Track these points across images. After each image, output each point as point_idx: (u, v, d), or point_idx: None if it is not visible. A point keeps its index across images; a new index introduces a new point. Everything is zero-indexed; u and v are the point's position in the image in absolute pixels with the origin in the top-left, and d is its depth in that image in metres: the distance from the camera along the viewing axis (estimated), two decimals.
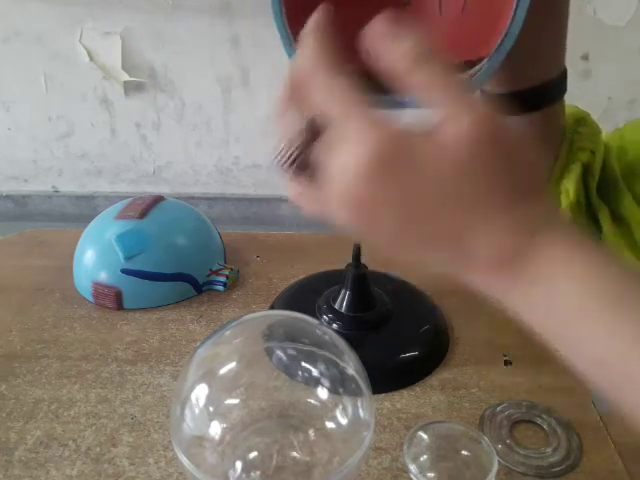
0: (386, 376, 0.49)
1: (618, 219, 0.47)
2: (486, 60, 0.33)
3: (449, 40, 0.37)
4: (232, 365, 0.40)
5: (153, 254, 0.59)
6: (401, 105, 0.37)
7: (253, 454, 0.39)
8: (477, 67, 0.34)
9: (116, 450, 0.43)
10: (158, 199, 0.64)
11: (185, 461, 0.34)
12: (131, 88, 2.03)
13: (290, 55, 0.37)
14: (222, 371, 0.40)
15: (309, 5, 0.37)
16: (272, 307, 0.59)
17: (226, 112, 2.07)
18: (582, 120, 0.47)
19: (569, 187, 0.45)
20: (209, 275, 0.62)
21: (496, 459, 0.38)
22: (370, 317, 0.53)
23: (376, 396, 0.47)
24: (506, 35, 0.32)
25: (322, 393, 0.39)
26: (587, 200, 0.47)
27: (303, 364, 0.40)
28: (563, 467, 0.41)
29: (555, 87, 0.43)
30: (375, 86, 0.37)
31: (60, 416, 0.46)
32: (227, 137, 2.12)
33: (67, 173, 2.21)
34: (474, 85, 0.34)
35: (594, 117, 0.49)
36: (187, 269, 0.60)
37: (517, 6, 0.32)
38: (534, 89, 0.42)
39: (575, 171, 0.45)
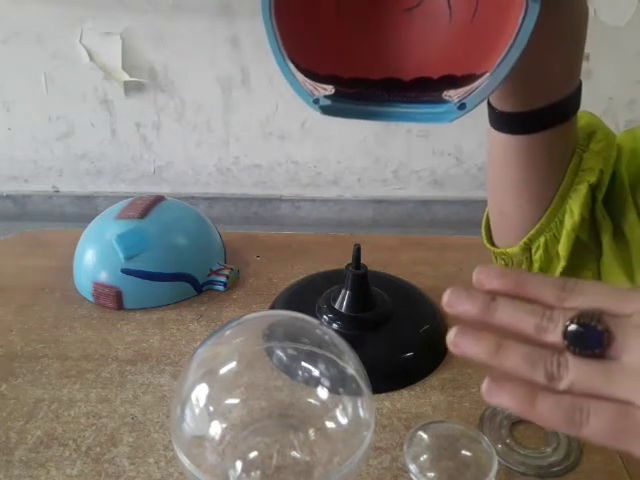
0: (386, 376, 0.49)
1: (620, 235, 0.46)
2: (486, 77, 0.32)
3: (456, 49, 0.36)
4: (232, 365, 0.40)
5: (153, 254, 0.59)
6: (379, 116, 0.36)
7: (253, 454, 0.39)
8: (476, 84, 0.33)
9: (116, 450, 0.43)
10: (158, 199, 0.64)
11: (185, 461, 0.34)
12: (131, 88, 2.04)
13: (282, 68, 0.36)
14: (222, 371, 0.40)
15: (303, 18, 0.37)
16: (272, 307, 0.59)
17: (226, 112, 2.08)
18: (593, 134, 0.46)
19: (574, 208, 0.44)
20: (209, 275, 0.62)
21: (496, 459, 0.38)
22: (370, 317, 0.53)
23: (376, 396, 0.47)
24: (507, 54, 0.31)
25: (322, 393, 0.39)
26: (592, 214, 0.46)
27: (303, 364, 0.40)
28: (563, 467, 0.41)
29: (569, 104, 0.42)
30: (358, 95, 0.37)
31: (60, 416, 0.46)
32: (227, 137, 2.12)
33: (67, 173, 2.21)
34: (471, 102, 0.33)
35: None
36: (187, 269, 0.60)
37: (521, 26, 0.30)
38: (548, 108, 0.41)
39: (581, 191, 0.44)
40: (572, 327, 0.26)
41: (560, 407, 0.25)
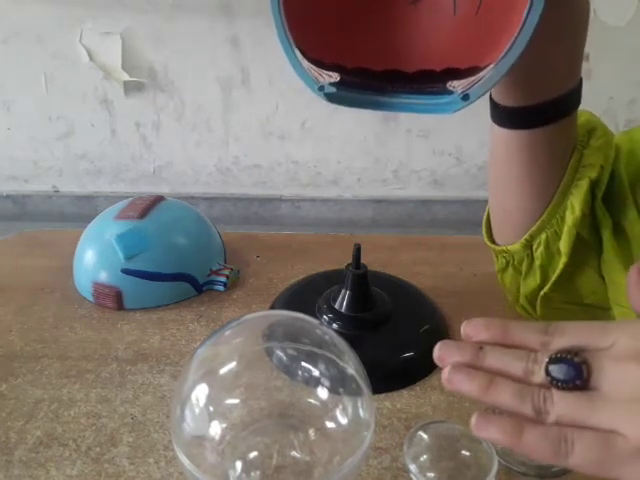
0: (386, 376, 0.49)
1: (620, 232, 0.46)
2: (490, 68, 0.32)
3: (460, 42, 0.36)
4: (232, 365, 0.40)
5: (153, 254, 0.59)
6: (383, 106, 0.36)
7: (253, 454, 0.39)
8: (480, 74, 0.33)
9: (116, 450, 0.43)
10: (158, 199, 0.64)
11: (185, 461, 0.34)
12: (131, 88, 2.04)
13: (288, 55, 0.36)
14: (222, 371, 0.40)
15: (310, 7, 0.37)
16: (272, 307, 0.59)
17: (226, 112, 2.08)
18: (593, 131, 0.46)
19: (575, 204, 0.45)
20: (209, 275, 0.62)
21: (496, 459, 0.38)
22: (370, 317, 0.53)
23: (376, 396, 0.47)
24: (512, 46, 0.31)
25: (322, 393, 0.39)
26: (593, 210, 0.46)
27: (303, 364, 0.40)
28: (563, 467, 0.41)
29: (570, 100, 0.42)
30: (362, 85, 0.37)
31: (60, 416, 0.46)
32: (227, 137, 2.12)
33: (67, 173, 2.21)
34: (475, 93, 0.33)
35: None
36: (187, 269, 0.60)
37: (526, 19, 0.31)
38: (550, 102, 0.41)
39: (582, 187, 0.45)
40: (552, 363, 0.27)
41: (546, 439, 0.26)
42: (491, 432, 0.27)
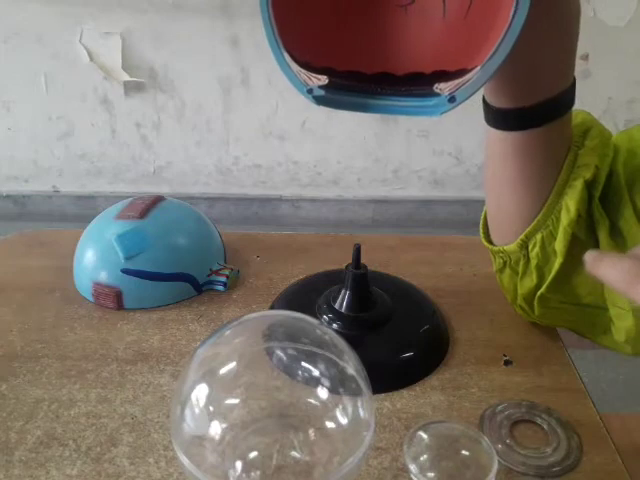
0: (386, 376, 0.49)
1: (616, 232, 0.46)
2: (477, 70, 0.32)
3: (449, 44, 0.36)
4: (232, 365, 0.40)
5: (153, 254, 0.59)
6: (371, 108, 0.36)
7: (253, 454, 0.39)
8: (467, 76, 0.33)
9: (116, 450, 0.43)
10: (158, 199, 0.64)
11: (185, 461, 0.34)
12: (131, 88, 2.04)
13: (276, 57, 0.36)
14: (222, 371, 0.40)
15: (299, 10, 0.37)
16: (272, 307, 0.59)
17: (226, 112, 2.08)
18: (589, 131, 0.46)
19: (570, 204, 0.45)
20: (209, 275, 0.62)
21: (496, 459, 0.38)
22: (370, 317, 0.53)
23: (376, 396, 0.47)
24: (498, 48, 0.31)
25: (322, 393, 0.39)
26: (589, 211, 0.46)
27: (303, 364, 0.40)
28: (563, 467, 0.41)
29: (563, 101, 0.42)
30: (351, 87, 0.37)
31: (60, 416, 0.46)
32: (227, 137, 2.12)
33: (67, 173, 2.22)
34: (462, 95, 0.33)
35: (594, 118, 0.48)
36: (187, 269, 0.60)
37: (512, 21, 0.31)
38: (543, 103, 0.41)
39: (577, 187, 0.45)
40: None
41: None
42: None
